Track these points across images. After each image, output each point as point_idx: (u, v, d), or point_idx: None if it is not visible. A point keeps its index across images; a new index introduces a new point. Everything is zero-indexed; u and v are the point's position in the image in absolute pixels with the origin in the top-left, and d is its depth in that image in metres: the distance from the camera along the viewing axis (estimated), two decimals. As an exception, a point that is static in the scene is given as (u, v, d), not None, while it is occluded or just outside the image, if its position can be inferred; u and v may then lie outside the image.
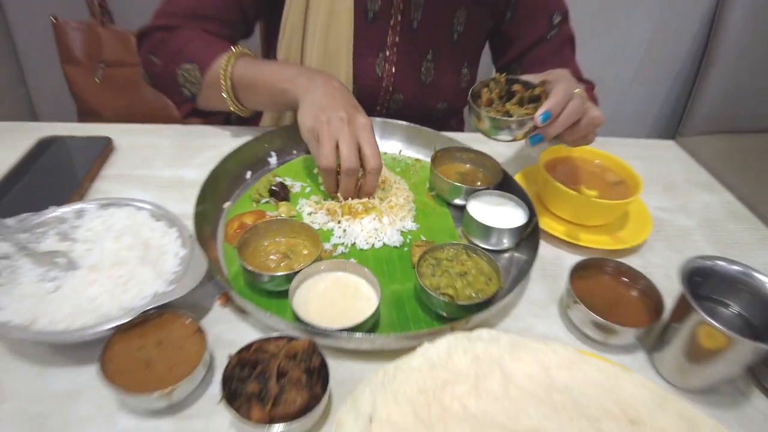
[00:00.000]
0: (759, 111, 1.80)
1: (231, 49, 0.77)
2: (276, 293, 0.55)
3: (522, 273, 0.61)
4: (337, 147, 0.64)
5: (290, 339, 0.46)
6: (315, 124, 0.66)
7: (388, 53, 0.88)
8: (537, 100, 0.64)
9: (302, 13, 0.85)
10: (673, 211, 0.78)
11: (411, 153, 0.83)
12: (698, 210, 0.79)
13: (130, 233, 0.54)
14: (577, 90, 0.65)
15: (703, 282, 0.51)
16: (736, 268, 0.51)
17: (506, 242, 0.65)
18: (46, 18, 1.35)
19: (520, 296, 0.60)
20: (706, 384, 0.51)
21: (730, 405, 0.51)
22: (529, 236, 0.65)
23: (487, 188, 0.69)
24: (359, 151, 0.65)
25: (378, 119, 0.83)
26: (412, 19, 0.87)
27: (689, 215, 0.78)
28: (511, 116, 0.64)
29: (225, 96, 0.77)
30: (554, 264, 0.65)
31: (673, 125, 1.97)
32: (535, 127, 0.62)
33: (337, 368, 0.48)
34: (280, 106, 0.78)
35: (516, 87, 0.67)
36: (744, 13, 1.68)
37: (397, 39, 0.88)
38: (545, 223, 0.69)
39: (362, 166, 0.66)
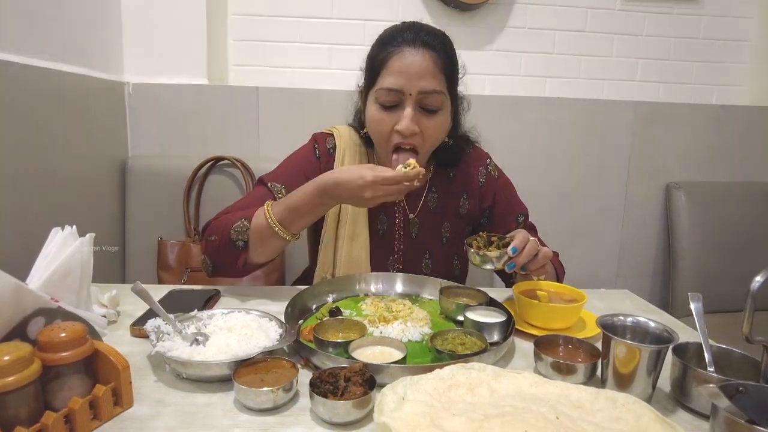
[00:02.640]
0: (731, 293, 2.10)
1: (266, 203, 1.05)
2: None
3: (509, 351, 0.87)
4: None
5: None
6: (368, 200, 0.97)
7: (396, 256, 1.26)
8: (507, 246, 1.00)
9: (334, 234, 1.22)
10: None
11: (425, 296, 1.14)
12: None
13: (246, 320, 0.85)
14: (531, 238, 1.01)
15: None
16: (630, 318, 0.78)
17: (495, 336, 0.92)
18: (154, 238, 1.84)
19: (505, 367, 0.85)
20: (640, 392, 0.72)
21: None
22: (510, 333, 0.92)
23: (480, 305, 1.00)
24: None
25: (400, 274, 1.17)
26: (411, 232, 1.26)
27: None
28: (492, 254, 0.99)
29: (276, 228, 1.01)
30: (531, 352, 0.90)
31: (664, 309, 2.24)
32: (509, 258, 0.97)
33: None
34: (320, 213, 1.06)
35: (493, 239, 1.05)
36: (689, 218, 2.13)
37: (402, 246, 1.26)
38: (522, 326, 0.96)
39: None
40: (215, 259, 1.10)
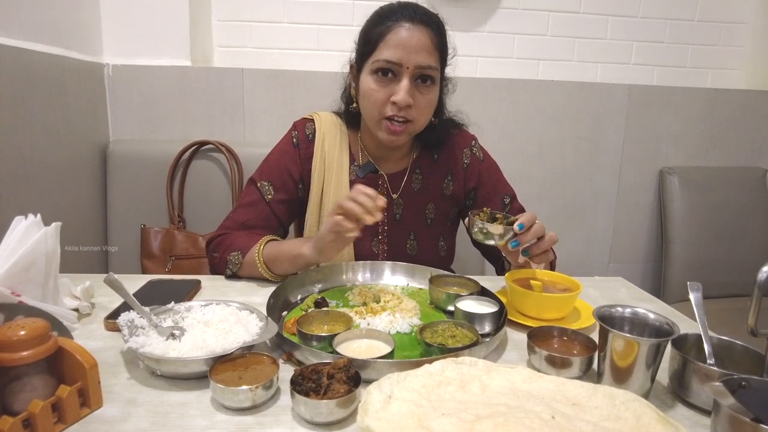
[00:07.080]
0: (723, 279, 2.09)
1: (262, 239, 1.10)
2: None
3: (501, 343, 0.84)
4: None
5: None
6: (332, 229, 0.94)
7: (380, 237, 1.23)
8: (512, 224, 0.97)
9: (317, 219, 1.22)
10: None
11: (414, 285, 1.10)
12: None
13: (225, 314, 0.80)
14: (539, 221, 0.98)
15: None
16: (628, 309, 0.75)
17: (487, 327, 0.88)
18: (136, 225, 1.79)
19: (497, 359, 0.81)
20: (638, 387, 0.69)
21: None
22: (502, 324, 0.88)
23: (471, 294, 0.96)
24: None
25: (388, 262, 1.13)
26: (395, 213, 1.23)
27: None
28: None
29: (261, 270, 1.06)
30: (524, 343, 0.87)
31: (655, 295, 2.23)
32: (514, 235, 0.95)
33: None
34: (299, 267, 1.07)
35: (498, 216, 1.02)
36: (683, 203, 2.11)
37: (386, 227, 1.23)
38: (514, 316, 0.93)
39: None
40: (215, 271, 1.17)
